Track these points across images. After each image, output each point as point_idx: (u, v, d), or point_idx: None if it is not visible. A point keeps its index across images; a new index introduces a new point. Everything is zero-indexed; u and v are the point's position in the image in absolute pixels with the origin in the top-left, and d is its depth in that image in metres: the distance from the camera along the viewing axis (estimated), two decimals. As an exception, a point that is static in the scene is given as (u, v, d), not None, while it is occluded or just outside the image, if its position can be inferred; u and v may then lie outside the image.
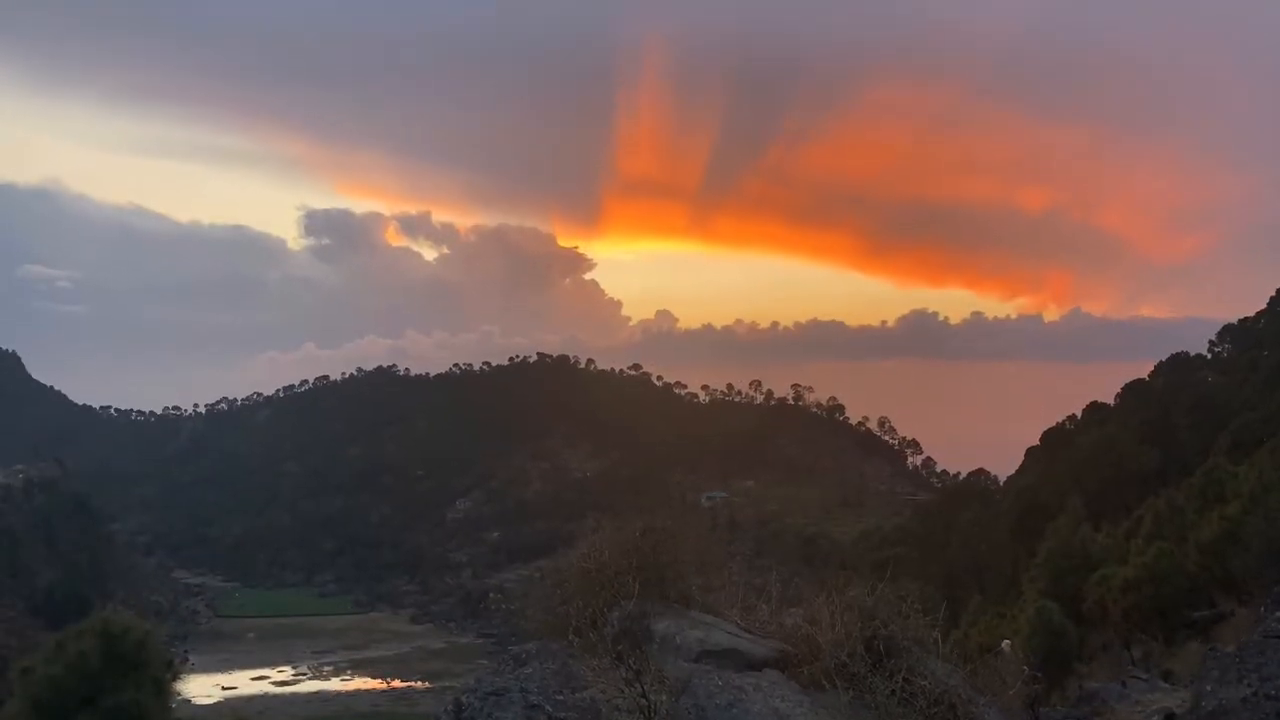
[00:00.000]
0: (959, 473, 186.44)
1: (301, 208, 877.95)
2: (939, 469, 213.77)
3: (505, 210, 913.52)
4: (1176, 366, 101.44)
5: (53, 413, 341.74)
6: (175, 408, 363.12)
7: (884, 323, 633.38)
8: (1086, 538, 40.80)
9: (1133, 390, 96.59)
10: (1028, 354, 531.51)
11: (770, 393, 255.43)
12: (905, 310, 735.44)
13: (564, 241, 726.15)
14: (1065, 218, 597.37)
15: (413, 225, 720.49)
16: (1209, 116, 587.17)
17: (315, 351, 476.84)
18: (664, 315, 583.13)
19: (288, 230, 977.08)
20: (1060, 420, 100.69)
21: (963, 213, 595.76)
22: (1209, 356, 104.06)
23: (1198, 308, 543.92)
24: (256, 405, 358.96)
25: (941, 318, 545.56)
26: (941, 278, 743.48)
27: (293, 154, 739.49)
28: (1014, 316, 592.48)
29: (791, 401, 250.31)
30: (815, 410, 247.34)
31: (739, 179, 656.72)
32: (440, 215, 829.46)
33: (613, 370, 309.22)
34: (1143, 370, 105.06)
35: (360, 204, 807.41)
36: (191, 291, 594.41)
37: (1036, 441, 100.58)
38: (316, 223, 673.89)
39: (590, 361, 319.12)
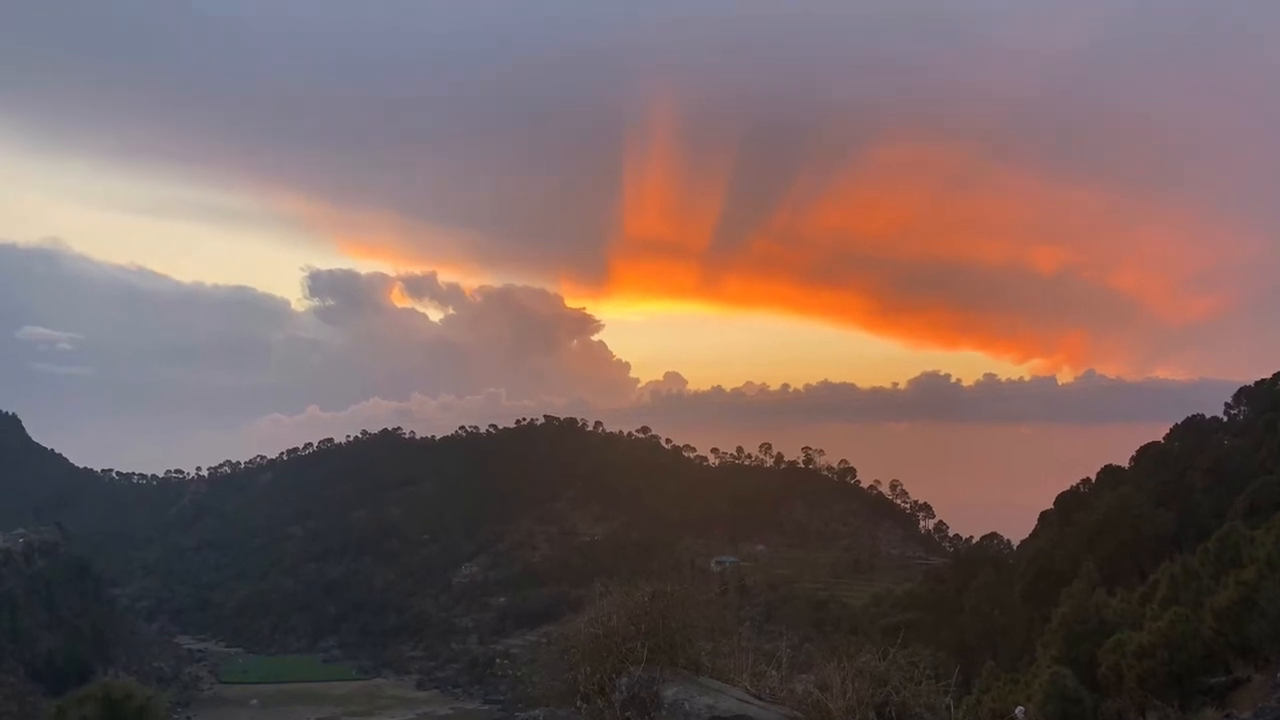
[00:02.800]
0: (971, 537, 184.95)
1: (305, 268, 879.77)
2: (951, 533, 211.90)
3: (512, 271, 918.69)
4: (1192, 429, 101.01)
5: (53, 476, 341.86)
6: (178, 471, 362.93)
7: (895, 385, 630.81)
8: (1101, 603, 40.29)
9: (1148, 453, 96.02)
10: (1041, 416, 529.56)
11: (780, 456, 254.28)
12: (917, 372, 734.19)
13: (571, 302, 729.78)
14: (1079, 279, 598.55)
15: (418, 286, 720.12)
16: (1223, 177, 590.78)
17: (319, 414, 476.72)
18: (673, 377, 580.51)
19: (291, 291, 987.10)
20: (1074, 484, 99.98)
21: (975, 274, 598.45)
22: (1225, 419, 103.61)
23: (1213, 370, 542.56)
24: (259, 469, 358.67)
25: (954, 380, 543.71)
26: (954, 339, 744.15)
27: (296, 214, 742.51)
28: (1027, 378, 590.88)
29: (802, 465, 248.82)
30: (826, 473, 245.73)
31: (748, 239, 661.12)
32: (446, 276, 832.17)
33: (621, 433, 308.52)
34: (1158, 433, 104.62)
35: (365, 264, 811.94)
36: (194, 353, 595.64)
37: (1050, 505, 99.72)
38: (321, 283, 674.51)
39: (598, 424, 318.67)
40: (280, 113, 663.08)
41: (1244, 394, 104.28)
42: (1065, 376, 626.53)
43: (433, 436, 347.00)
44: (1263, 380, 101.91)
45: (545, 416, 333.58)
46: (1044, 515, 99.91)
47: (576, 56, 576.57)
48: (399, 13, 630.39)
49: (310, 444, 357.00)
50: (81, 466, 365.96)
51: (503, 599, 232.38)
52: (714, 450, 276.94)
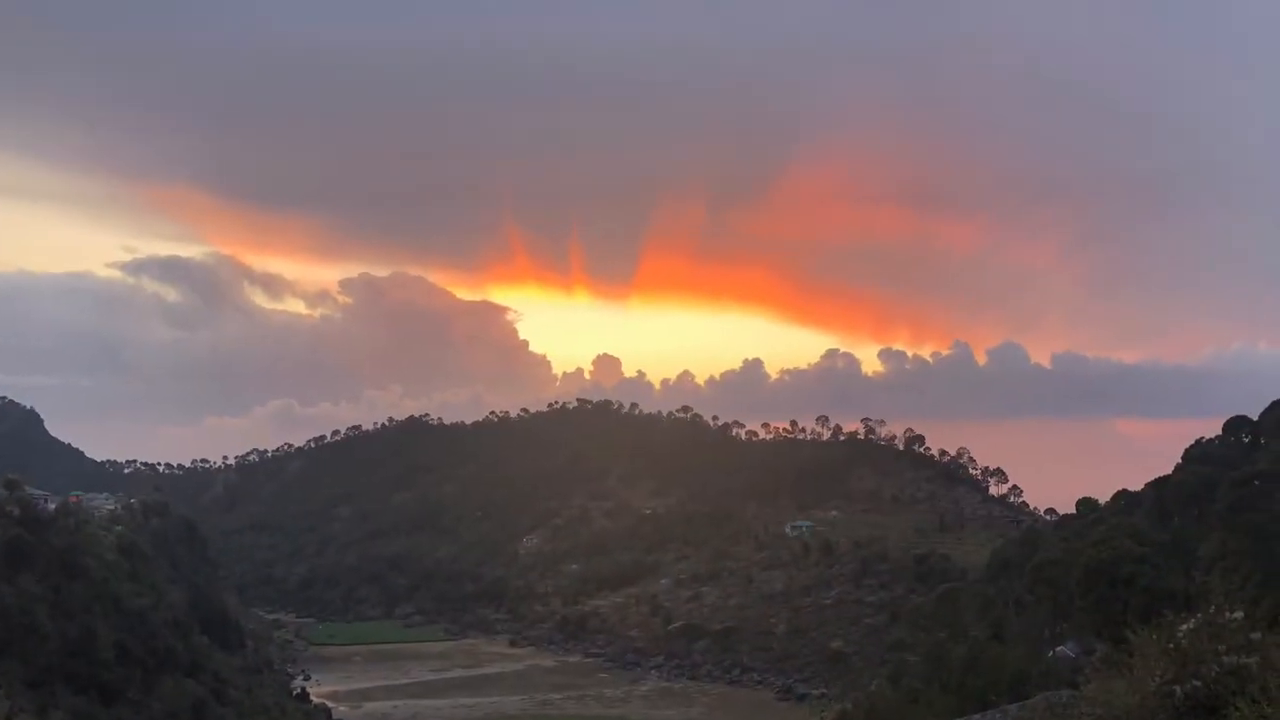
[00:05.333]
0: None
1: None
2: (1023, 498, 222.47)
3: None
4: None
5: (77, 468, 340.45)
6: (204, 460, 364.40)
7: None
8: None
9: None
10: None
11: (839, 428, 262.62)
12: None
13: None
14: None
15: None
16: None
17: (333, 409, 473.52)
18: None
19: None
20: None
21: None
22: None
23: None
24: (287, 456, 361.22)
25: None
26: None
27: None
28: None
29: (862, 437, 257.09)
30: (883, 443, 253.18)
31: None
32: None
33: (661, 413, 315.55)
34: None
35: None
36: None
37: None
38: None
39: (634, 405, 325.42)
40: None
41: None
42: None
43: (463, 422, 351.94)
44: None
45: (578, 400, 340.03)
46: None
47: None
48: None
49: (338, 431, 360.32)
50: (102, 459, 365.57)
51: (575, 566, 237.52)
52: (764, 425, 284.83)
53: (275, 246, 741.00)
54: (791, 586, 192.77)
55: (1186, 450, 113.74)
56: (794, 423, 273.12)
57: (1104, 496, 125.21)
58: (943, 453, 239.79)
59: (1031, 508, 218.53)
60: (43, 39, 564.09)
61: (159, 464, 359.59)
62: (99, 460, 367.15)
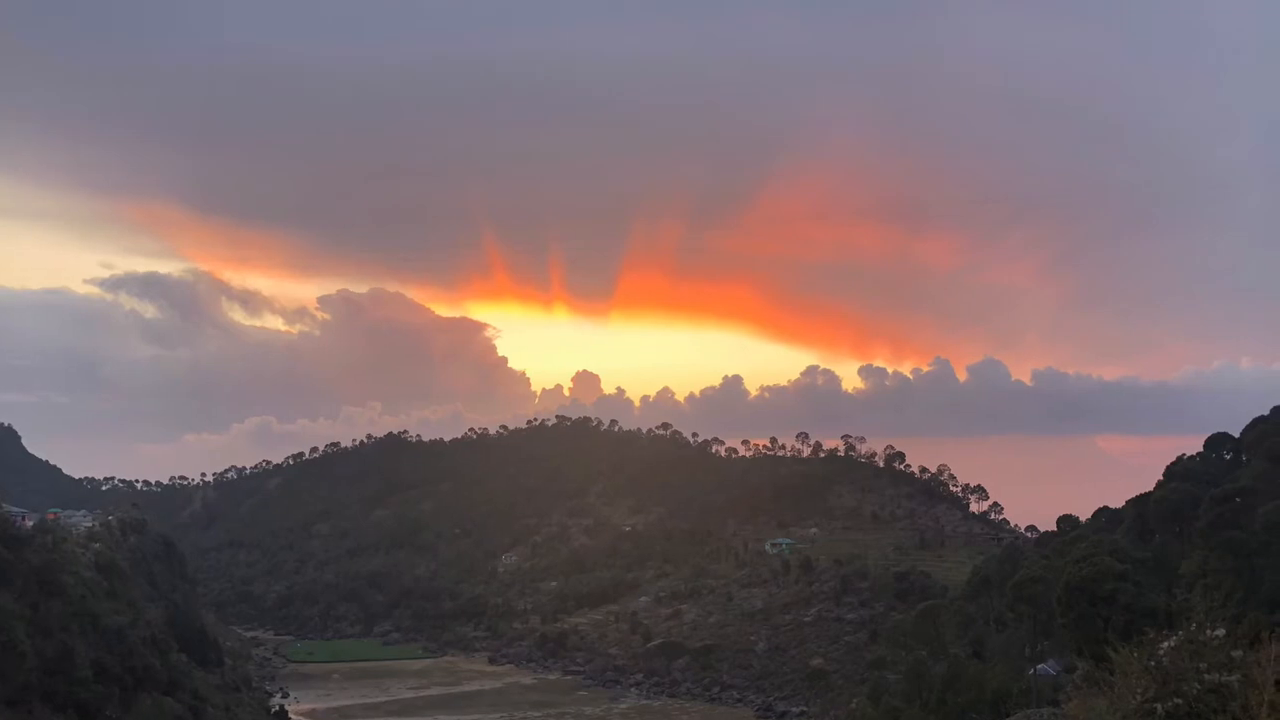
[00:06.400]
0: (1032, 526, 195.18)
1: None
2: (1003, 515, 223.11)
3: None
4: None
5: (54, 485, 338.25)
6: (182, 477, 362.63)
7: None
8: None
9: None
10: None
11: (819, 445, 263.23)
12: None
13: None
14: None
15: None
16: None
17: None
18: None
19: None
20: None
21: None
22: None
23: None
24: (266, 473, 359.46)
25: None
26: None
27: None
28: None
29: (842, 454, 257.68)
30: (863, 460, 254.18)
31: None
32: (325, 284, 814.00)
33: (640, 430, 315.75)
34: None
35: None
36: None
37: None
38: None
39: (614, 422, 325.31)
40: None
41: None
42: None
43: (441, 439, 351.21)
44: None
45: (557, 417, 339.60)
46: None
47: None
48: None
49: (316, 448, 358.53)
50: (79, 477, 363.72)
51: (554, 583, 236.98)
52: (744, 442, 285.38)
53: (254, 263, 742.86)
54: (771, 604, 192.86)
55: (1168, 467, 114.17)
56: (774, 440, 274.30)
57: (1085, 513, 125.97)
58: (923, 470, 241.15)
59: (1012, 525, 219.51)
60: (20, 56, 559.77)
61: (137, 481, 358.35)
62: (77, 477, 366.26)
